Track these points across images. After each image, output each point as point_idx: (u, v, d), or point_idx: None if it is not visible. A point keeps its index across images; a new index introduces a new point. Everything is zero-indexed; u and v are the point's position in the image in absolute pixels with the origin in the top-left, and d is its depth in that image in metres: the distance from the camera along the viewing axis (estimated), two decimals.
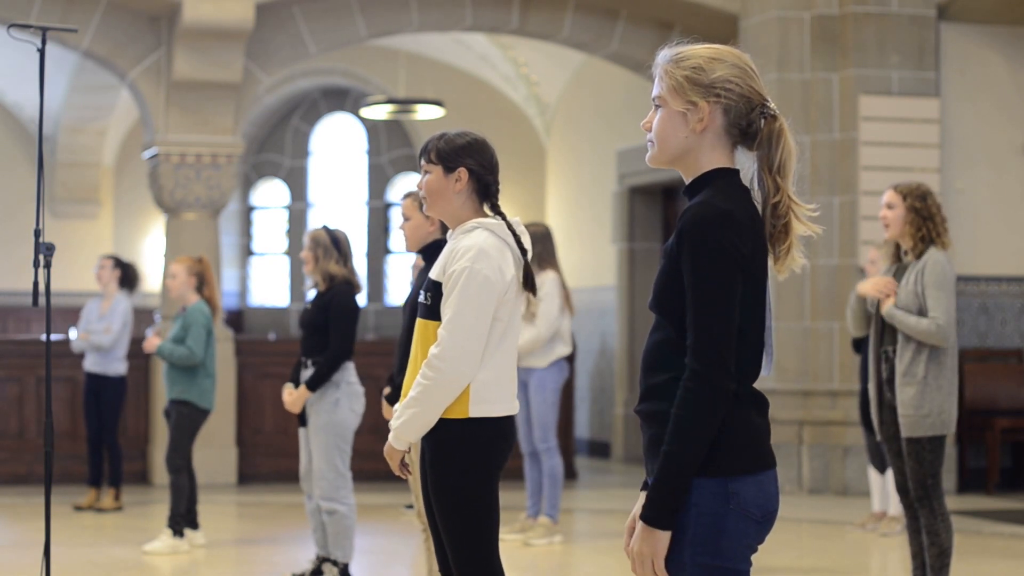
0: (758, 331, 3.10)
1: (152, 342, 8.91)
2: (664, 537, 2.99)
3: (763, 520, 3.06)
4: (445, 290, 4.25)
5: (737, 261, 3.01)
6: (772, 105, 3.16)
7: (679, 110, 3.13)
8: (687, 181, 3.18)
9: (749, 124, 3.14)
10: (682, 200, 3.28)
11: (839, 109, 11.85)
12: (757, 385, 3.12)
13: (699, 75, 3.11)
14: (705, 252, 3.00)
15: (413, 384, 4.24)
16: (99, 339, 10.61)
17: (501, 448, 4.30)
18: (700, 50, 3.15)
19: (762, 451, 3.07)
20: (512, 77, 16.37)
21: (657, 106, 3.18)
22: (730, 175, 3.14)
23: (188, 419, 8.79)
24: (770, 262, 3.16)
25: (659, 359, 3.09)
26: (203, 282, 8.99)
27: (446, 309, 4.22)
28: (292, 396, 7.42)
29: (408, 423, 4.25)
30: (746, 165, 3.19)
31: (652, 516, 2.99)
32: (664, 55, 3.19)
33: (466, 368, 4.19)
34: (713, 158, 3.14)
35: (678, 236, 3.05)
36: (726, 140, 3.14)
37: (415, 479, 5.41)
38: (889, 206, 6.58)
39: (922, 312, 6.45)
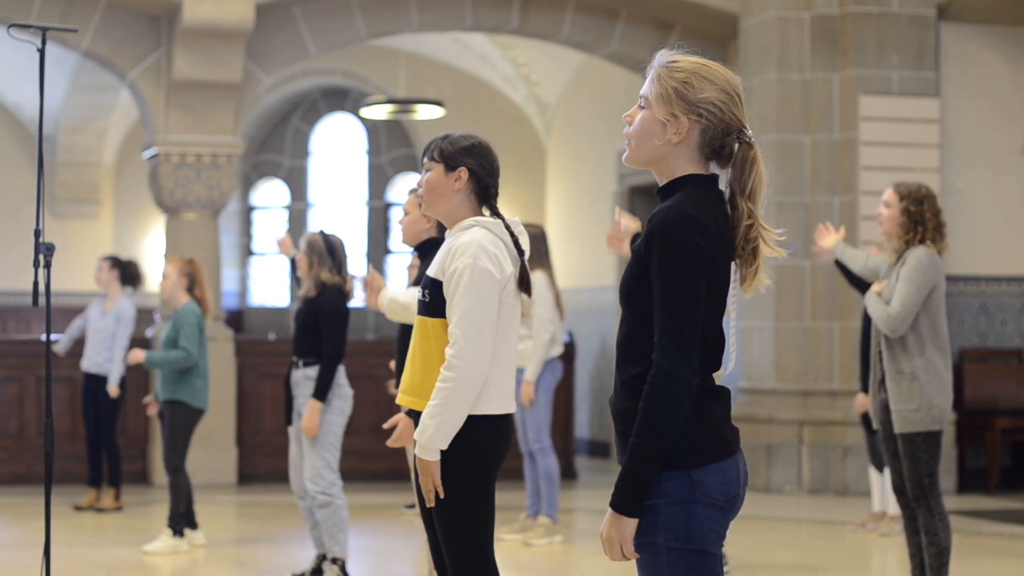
0: (716, 329, 3.24)
1: (136, 355, 8.89)
2: (631, 524, 3.15)
3: (727, 505, 3.22)
4: (447, 288, 4.25)
5: (702, 263, 3.14)
6: (749, 132, 3.26)
7: (660, 118, 3.24)
8: (660, 183, 3.30)
9: (723, 146, 3.25)
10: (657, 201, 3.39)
11: (839, 109, 11.85)
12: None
13: (687, 90, 3.22)
14: (672, 254, 3.13)
15: (434, 391, 4.20)
16: (115, 369, 10.61)
17: (499, 447, 4.30)
18: (694, 64, 3.25)
19: (721, 440, 3.22)
20: (512, 77, 16.37)
21: (641, 106, 3.29)
22: (703, 181, 3.26)
23: (183, 419, 8.80)
24: (737, 277, 3.29)
25: (626, 354, 3.25)
26: (194, 282, 9.02)
27: (454, 307, 4.22)
28: (312, 419, 7.42)
29: (438, 431, 4.17)
30: (722, 179, 3.31)
31: (619, 504, 3.16)
32: (661, 58, 3.30)
33: (484, 362, 4.20)
34: (687, 166, 3.26)
35: (647, 238, 3.18)
36: (699, 154, 3.26)
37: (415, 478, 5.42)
38: (886, 205, 6.63)
39: None
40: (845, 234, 8.09)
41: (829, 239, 7.59)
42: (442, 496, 4.21)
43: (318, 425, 7.42)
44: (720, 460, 3.19)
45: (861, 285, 9.58)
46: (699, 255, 3.13)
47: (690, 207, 3.17)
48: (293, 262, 7.94)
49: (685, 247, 3.12)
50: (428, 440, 4.18)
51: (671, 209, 3.18)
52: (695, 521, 3.15)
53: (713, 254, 3.16)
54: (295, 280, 7.94)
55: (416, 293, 4.92)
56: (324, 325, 7.45)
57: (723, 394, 3.25)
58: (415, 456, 4.27)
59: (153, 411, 9.08)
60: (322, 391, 7.40)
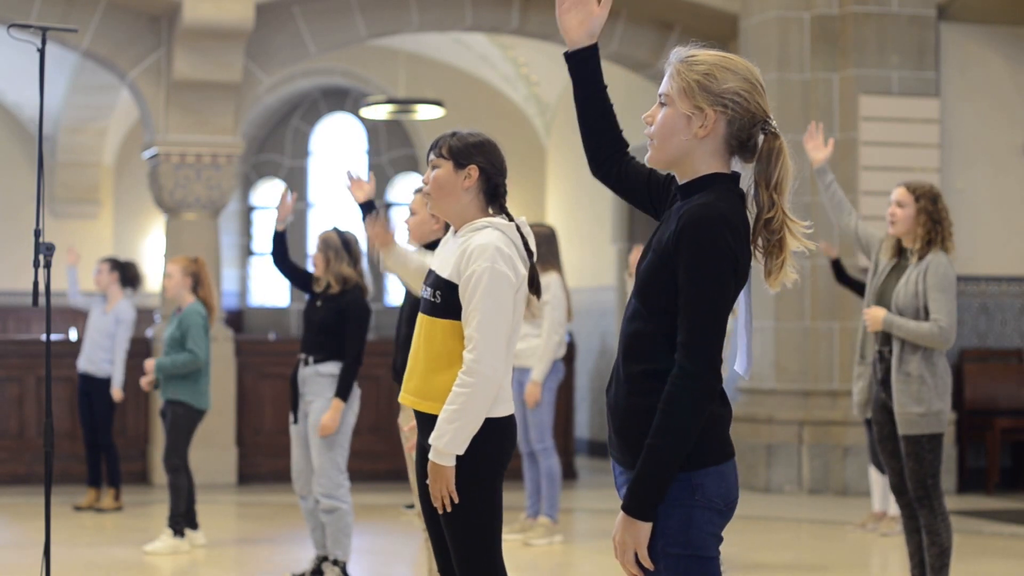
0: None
1: (148, 368, 8.82)
2: (645, 528, 3.09)
3: (726, 509, 3.17)
4: (463, 292, 4.18)
5: (733, 264, 3.08)
6: (774, 123, 3.20)
7: (685, 113, 3.16)
8: (681, 182, 3.22)
9: (749, 138, 3.19)
10: (675, 198, 3.30)
11: (839, 109, 11.85)
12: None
13: (710, 82, 3.15)
14: (705, 253, 3.06)
15: (451, 395, 4.14)
16: (117, 371, 10.62)
17: (505, 447, 4.27)
18: (714, 57, 3.19)
19: (723, 443, 3.16)
20: (512, 77, 16.38)
21: (663, 103, 3.20)
22: (727, 180, 3.19)
23: (184, 419, 8.78)
24: (760, 275, 3.23)
25: (634, 349, 3.17)
26: (199, 282, 8.99)
27: (472, 312, 4.15)
28: (333, 417, 7.39)
29: (455, 437, 4.12)
30: (744, 175, 3.23)
31: (634, 508, 3.09)
32: (678, 54, 3.22)
33: (503, 368, 4.16)
34: (711, 163, 3.19)
35: (677, 235, 3.09)
36: (724, 149, 3.19)
37: (415, 479, 5.41)
38: (899, 204, 6.56)
39: (919, 314, 6.46)
40: (833, 149, 7.44)
41: (821, 151, 7.13)
42: (456, 502, 4.16)
43: (336, 425, 7.39)
44: (721, 463, 3.14)
45: (853, 285, 9.58)
46: (730, 255, 3.07)
47: (722, 206, 3.10)
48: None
49: (718, 247, 3.06)
50: (446, 445, 4.12)
51: (704, 207, 3.10)
52: (694, 525, 3.11)
53: (741, 256, 3.11)
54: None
55: (420, 259, 4.86)
56: (351, 324, 7.42)
57: (723, 397, 3.20)
58: (428, 461, 4.19)
59: (147, 381, 8.90)
60: (345, 390, 7.38)
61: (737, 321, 3.31)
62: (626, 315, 3.24)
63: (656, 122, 3.21)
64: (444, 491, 4.15)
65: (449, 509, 4.18)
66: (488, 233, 4.25)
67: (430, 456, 4.17)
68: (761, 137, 3.18)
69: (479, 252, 4.18)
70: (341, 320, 7.44)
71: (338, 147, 19.04)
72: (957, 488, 11.86)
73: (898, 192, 6.59)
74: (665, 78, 3.22)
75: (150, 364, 8.81)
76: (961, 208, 11.98)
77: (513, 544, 9.05)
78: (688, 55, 3.20)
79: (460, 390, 4.12)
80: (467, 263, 4.19)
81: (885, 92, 11.85)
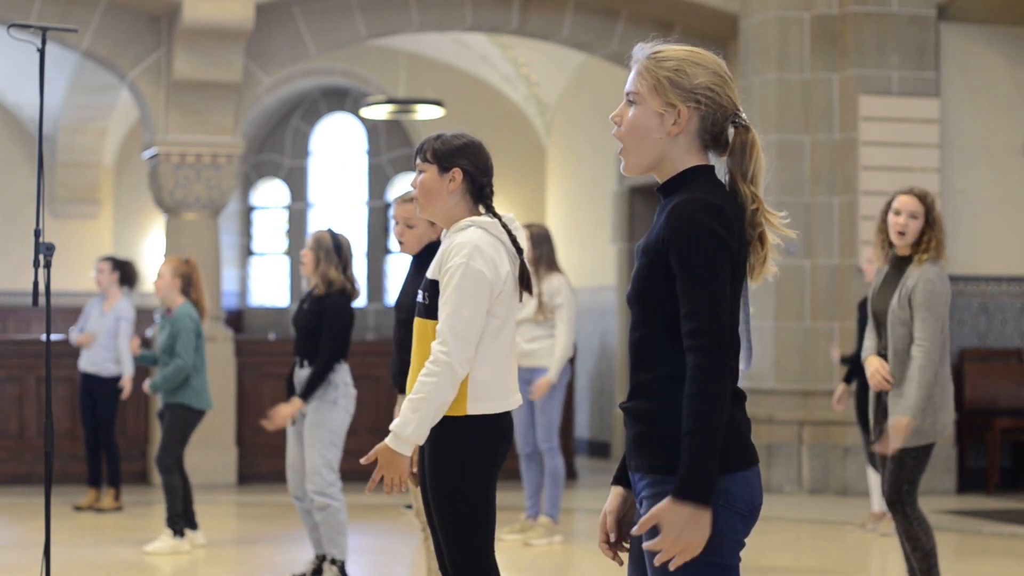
0: (736, 327, 3.09)
1: (146, 389, 8.97)
2: (708, 516, 2.93)
3: (749, 515, 3.07)
4: (441, 287, 4.24)
5: (726, 253, 3.01)
6: (744, 115, 3.16)
7: (656, 111, 3.11)
8: (662, 181, 3.16)
9: (721, 132, 3.14)
10: (659, 200, 3.24)
11: (839, 109, 11.85)
12: (740, 385, 3.12)
13: (681, 78, 3.09)
14: (700, 241, 2.99)
15: (417, 384, 4.16)
16: (125, 363, 10.62)
17: (500, 446, 4.29)
18: (681, 52, 3.13)
19: (747, 447, 3.07)
20: (512, 77, 16.38)
21: (631, 101, 3.15)
22: (707, 172, 3.14)
23: (181, 420, 8.79)
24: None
25: (641, 357, 3.10)
26: (190, 284, 8.97)
27: (443, 305, 4.21)
28: (285, 411, 7.44)
29: (420, 426, 4.14)
30: (718, 167, 3.19)
31: (694, 493, 2.91)
32: (642, 50, 3.16)
33: (468, 363, 4.19)
34: (687, 158, 3.13)
35: (667, 229, 3.03)
36: (698, 143, 3.13)
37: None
38: (913, 216, 6.38)
39: (906, 325, 6.35)
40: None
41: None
42: (405, 490, 4.17)
43: (286, 419, 7.43)
44: (745, 468, 3.04)
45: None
46: (724, 244, 2.99)
47: (710, 197, 3.04)
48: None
49: (713, 234, 2.98)
50: (411, 434, 4.14)
51: (691, 199, 3.03)
52: (716, 530, 2.98)
53: (735, 246, 3.04)
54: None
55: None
56: (326, 328, 7.41)
57: (742, 400, 3.11)
58: (384, 447, 4.18)
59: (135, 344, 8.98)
60: (309, 391, 7.38)
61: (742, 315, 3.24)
62: (630, 326, 3.17)
63: (626, 121, 3.14)
64: (398, 480, 4.16)
65: (391, 492, 4.19)
66: (471, 232, 4.29)
67: (387, 442, 4.17)
68: (732, 131, 3.14)
69: (457, 249, 4.24)
70: (321, 322, 7.45)
71: (338, 147, 19.04)
72: (957, 488, 11.85)
73: (910, 203, 6.40)
74: (631, 75, 3.15)
75: (146, 386, 8.91)
76: (961, 208, 11.98)
77: (513, 544, 9.06)
78: (653, 51, 3.14)
79: (426, 380, 4.15)
80: (446, 260, 4.25)
81: (885, 92, 11.85)
